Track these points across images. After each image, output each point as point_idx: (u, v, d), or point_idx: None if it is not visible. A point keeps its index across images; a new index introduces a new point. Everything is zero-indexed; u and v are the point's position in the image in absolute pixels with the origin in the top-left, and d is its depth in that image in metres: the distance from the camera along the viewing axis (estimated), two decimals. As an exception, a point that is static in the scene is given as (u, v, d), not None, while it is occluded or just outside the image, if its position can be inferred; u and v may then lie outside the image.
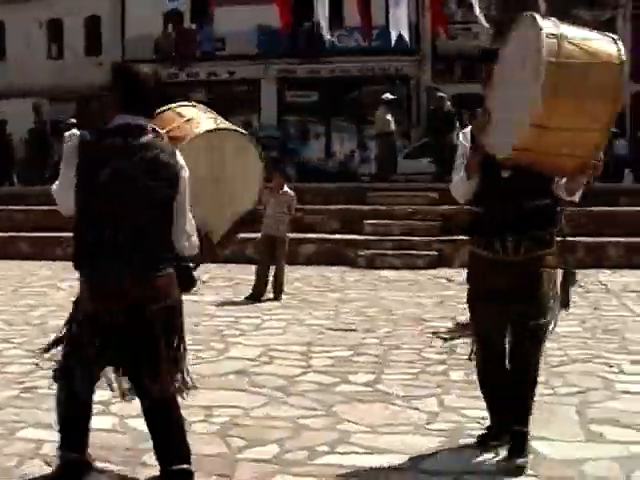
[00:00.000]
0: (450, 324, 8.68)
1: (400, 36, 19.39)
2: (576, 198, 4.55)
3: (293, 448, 4.65)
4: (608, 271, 13.09)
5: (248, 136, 4.49)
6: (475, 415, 5.32)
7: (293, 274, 11.75)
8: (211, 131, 4.25)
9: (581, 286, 11.72)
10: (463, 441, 4.84)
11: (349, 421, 5.18)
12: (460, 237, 14.04)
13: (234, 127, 4.43)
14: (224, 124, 4.38)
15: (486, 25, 20.80)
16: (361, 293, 11.09)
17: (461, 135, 4.76)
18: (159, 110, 4.17)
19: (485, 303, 4.62)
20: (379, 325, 8.66)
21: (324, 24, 19.26)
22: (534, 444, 4.71)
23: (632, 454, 4.61)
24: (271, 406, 5.52)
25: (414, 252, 14.28)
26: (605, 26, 27.56)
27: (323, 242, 14.54)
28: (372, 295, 10.92)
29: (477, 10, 18.86)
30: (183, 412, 5.22)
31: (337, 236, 14.85)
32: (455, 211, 15.24)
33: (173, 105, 4.41)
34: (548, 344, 7.58)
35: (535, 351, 4.60)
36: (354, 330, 8.36)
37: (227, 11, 27.23)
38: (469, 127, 4.71)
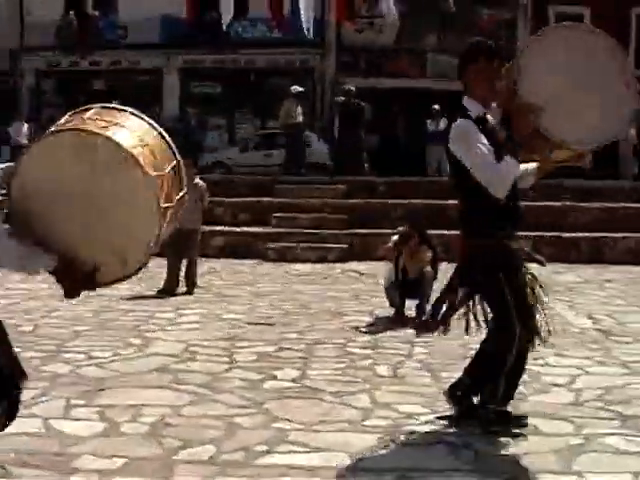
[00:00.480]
0: (368, 318, 8.70)
1: (306, 28, 19.27)
2: None
3: (230, 448, 4.48)
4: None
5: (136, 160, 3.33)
6: (409, 411, 5.27)
7: (203, 267, 11.53)
8: (77, 131, 3.34)
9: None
10: (401, 437, 4.75)
11: (282, 419, 5.04)
12: (370, 230, 14.13)
13: (125, 145, 3.33)
14: (112, 134, 3.35)
15: (394, 19, 20.89)
16: (274, 287, 10.97)
17: (468, 124, 4.57)
18: (88, 107, 3.62)
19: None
20: (297, 319, 8.54)
21: (227, 14, 18.94)
22: (471, 440, 4.69)
23: (568, 446, 4.61)
24: (201, 404, 5.32)
25: (324, 245, 14.23)
26: (505, 26, 28.18)
27: (232, 235, 14.36)
28: (286, 289, 10.81)
29: (391, 6, 18.88)
30: (109, 411, 5.05)
31: (246, 229, 14.69)
32: (363, 204, 15.34)
33: (100, 105, 3.64)
34: (469, 338, 7.67)
35: None
36: (273, 325, 8.22)
37: (131, -1, 26.70)
38: (466, 119, 4.59)
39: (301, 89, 18.82)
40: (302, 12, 17.89)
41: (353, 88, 18.76)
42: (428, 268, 8.64)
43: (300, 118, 18.34)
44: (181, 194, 3.56)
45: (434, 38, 27.71)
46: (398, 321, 8.46)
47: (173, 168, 3.51)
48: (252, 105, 28.08)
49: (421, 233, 8.75)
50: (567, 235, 14.04)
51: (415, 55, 27.44)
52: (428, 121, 20.16)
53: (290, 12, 20.13)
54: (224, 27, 18.68)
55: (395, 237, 8.89)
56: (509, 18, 27.75)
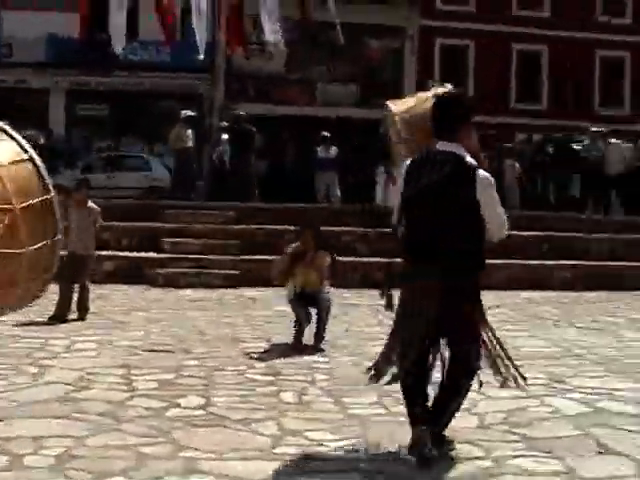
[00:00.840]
0: (265, 344, 8.64)
1: (196, 53, 19.17)
2: None
3: (141, 479, 4.34)
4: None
5: None
6: (317, 437, 5.25)
7: (93, 293, 11.21)
8: None
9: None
10: (314, 464, 4.71)
11: (191, 447, 4.93)
12: (260, 256, 14.06)
13: None
14: None
15: (282, 47, 21.01)
16: (167, 312, 10.78)
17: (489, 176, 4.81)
18: None
19: None
20: (194, 346, 8.41)
21: (118, 37, 18.65)
22: (383, 466, 4.70)
23: (479, 469, 4.68)
24: (105, 434, 5.15)
25: (214, 271, 14.11)
26: (393, 55, 28.80)
27: (121, 260, 14.07)
28: (179, 315, 10.64)
29: (278, 37, 18.95)
30: (10, 444, 4.83)
31: (136, 254, 14.42)
32: (254, 230, 15.29)
33: None
34: (369, 364, 7.71)
35: None
36: (171, 351, 8.06)
37: (16, 16, 25.95)
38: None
39: (192, 113, 18.74)
40: (197, 35, 17.79)
41: (244, 113, 18.76)
42: (325, 292, 8.70)
43: (190, 143, 18.22)
44: (50, 240, 2.91)
45: (323, 67, 28.08)
46: (296, 348, 8.47)
47: (42, 202, 2.94)
48: (140, 128, 27.76)
49: (318, 236, 8.79)
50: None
51: (304, 83, 27.72)
52: (318, 148, 20.22)
53: (181, 36, 20.01)
54: (118, 50, 18.38)
55: (286, 258, 8.86)
56: (397, 48, 28.35)
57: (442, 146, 4.81)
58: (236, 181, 18.13)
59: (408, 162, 4.89)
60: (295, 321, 8.74)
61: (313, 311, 8.72)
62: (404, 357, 4.87)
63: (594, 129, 20.00)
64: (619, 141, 20.12)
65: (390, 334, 5.06)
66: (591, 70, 32.18)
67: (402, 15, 27.75)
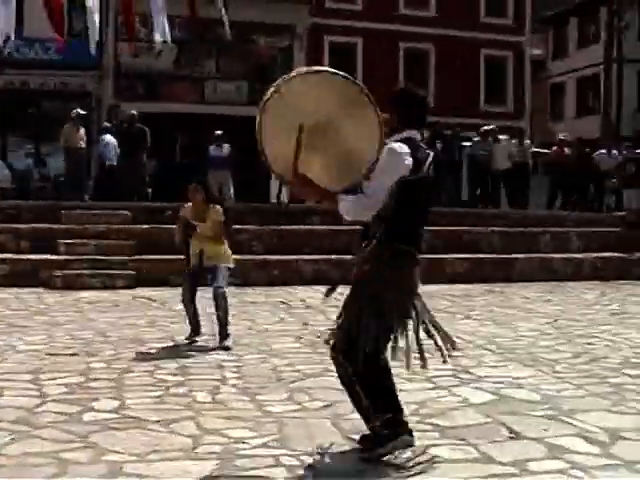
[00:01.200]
0: (170, 344, 8.62)
1: (86, 50, 18.79)
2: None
3: (66, 486, 4.31)
4: (300, 287, 13.74)
5: None
6: (237, 435, 5.28)
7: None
8: None
9: (284, 302, 12.11)
10: (238, 462, 4.76)
11: (112, 451, 4.90)
12: (157, 256, 13.95)
13: None
14: None
15: (171, 44, 20.81)
16: (68, 315, 10.60)
17: None
18: None
19: None
20: (99, 348, 8.31)
21: (4, 33, 18.06)
22: (308, 460, 4.77)
23: (399, 459, 4.78)
24: (23, 442, 5.06)
25: (111, 272, 13.94)
26: (282, 53, 28.90)
27: (16, 262, 13.73)
28: (80, 317, 10.48)
29: (166, 34, 18.67)
30: None
31: (31, 256, 14.08)
32: (150, 230, 15.13)
33: None
34: (276, 361, 7.79)
35: None
36: (76, 355, 7.95)
37: None
38: None
39: (83, 112, 18.33)
40: (89, 30, 17.41)
41: (135, 112, 18.52)
42: (225, 263, 8.72)
43: (83, 142, 17.85)
44: None
45: (212, 64, 27.98)
46: (192, 338, 8.66)
47: None
48: (26, 128, 26.99)
49: (206, 190, 8.86)
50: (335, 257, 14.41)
51: (193, 81, 27.56)
52: (210, 147, 20.01)
53: (69, 33, 19.57)
54: (9, 47, 17.82)
55: (179, 222, 8.85)
56: (286, 46, 28.51)
57: (412, 134, 4.75)
58: (128, 180, 17.90)
59: (400, 144, 4.63)
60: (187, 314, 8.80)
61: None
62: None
63: (485, 128, 20.51)
64: (506, 137, 20.75)
65: (379, 321, 4.72)
66: (476, 68, 33.08)
67: (291, 13, 27.91)
